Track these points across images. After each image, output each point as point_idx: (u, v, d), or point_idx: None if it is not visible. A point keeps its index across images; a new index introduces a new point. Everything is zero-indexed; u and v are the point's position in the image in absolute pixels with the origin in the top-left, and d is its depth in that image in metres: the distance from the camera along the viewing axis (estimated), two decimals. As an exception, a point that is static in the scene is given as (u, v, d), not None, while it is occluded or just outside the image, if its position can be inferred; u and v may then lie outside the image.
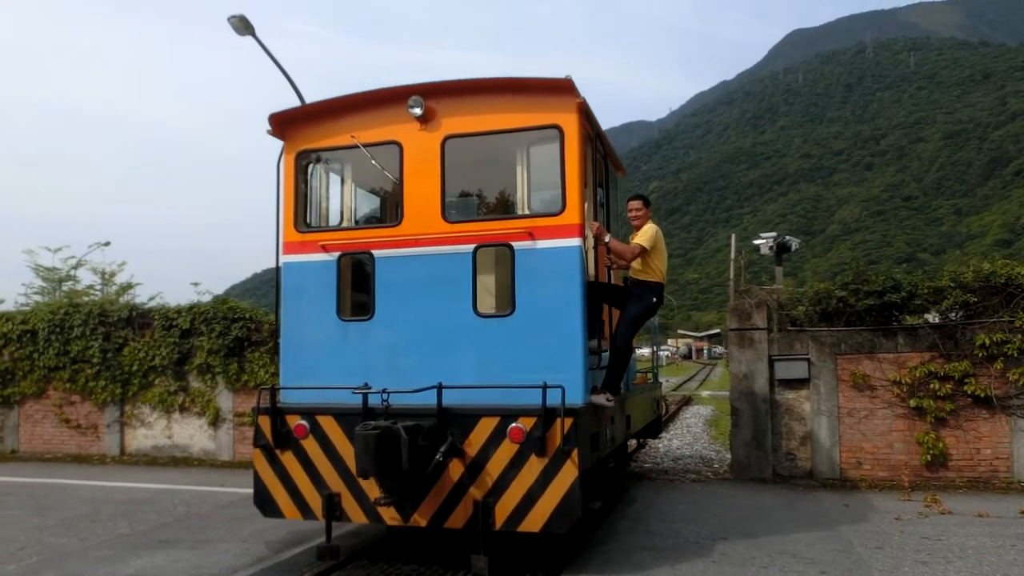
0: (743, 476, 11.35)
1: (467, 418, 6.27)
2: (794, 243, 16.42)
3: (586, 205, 7.03)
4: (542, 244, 6.66)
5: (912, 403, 10.69)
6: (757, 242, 16.52)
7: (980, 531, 7.88)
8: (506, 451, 6.14)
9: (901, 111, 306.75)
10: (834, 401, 11.09)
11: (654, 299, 7.46)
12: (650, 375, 12.97)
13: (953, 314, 10.88)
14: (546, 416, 5.98)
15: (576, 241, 6.62)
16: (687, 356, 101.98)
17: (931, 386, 10.60)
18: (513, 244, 6.75)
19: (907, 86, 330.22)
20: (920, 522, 8.34)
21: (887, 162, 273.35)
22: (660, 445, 15.96)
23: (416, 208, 7.07)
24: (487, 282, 7.23)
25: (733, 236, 15.87)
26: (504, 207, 8.26)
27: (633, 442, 13.31)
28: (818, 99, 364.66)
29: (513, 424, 6.10)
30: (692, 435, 17.75)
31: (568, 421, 5.98)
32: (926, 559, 6.86)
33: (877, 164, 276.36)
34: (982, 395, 10.46)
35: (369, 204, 8.88)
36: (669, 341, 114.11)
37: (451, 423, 6.28)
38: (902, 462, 10.68)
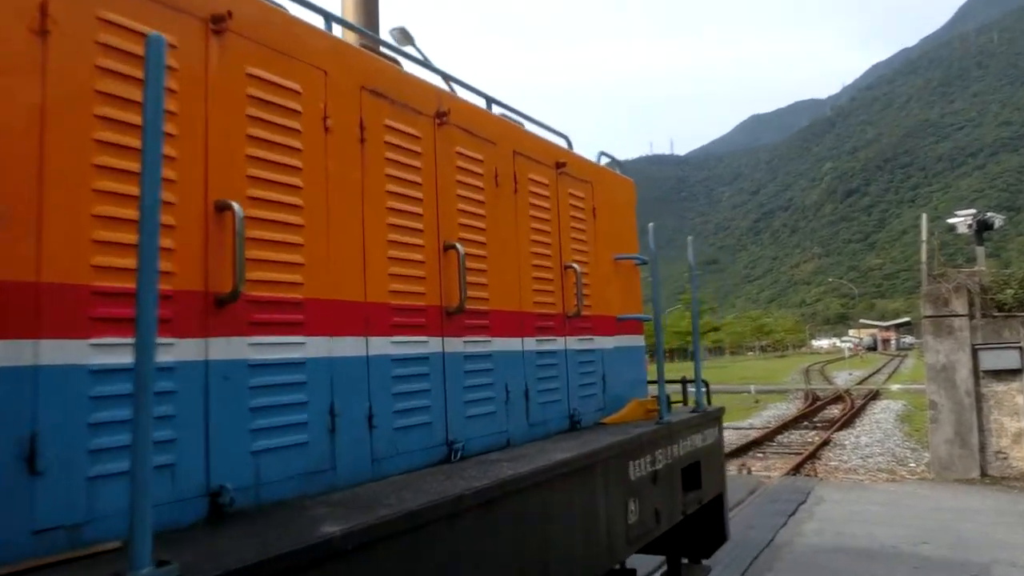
0: (945, 476, 10.44)
1: None
2: (997, 220, 14.86)
3: None
4: None
5: None
6: (953, 220, 15.09)
7: None
8: None
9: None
10: (1054, 394, 9.93)
11: None
12: (690, 401, 5.91)
13: None
14: None
15: None
16: (872, 348, 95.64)
17: None
18: None
19: None
20: None
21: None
22: (847, 442, 15.04)
23: None
24: None
25: (924, 216, 14.57)
26: None
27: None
28: (1018, 59, 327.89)
29: None
30: (882, 431, 16.64)
31: None
32: None
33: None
34: None
35: None
36: (851, 332, 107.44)
37: None
38: None
